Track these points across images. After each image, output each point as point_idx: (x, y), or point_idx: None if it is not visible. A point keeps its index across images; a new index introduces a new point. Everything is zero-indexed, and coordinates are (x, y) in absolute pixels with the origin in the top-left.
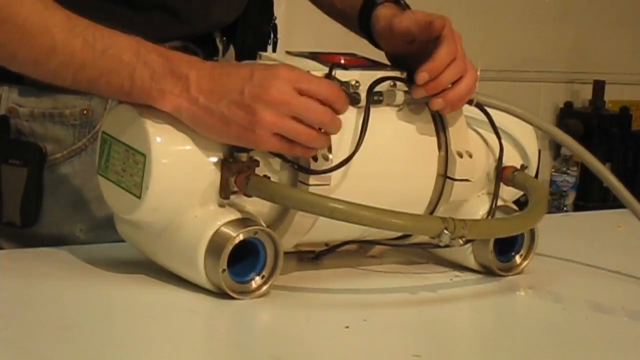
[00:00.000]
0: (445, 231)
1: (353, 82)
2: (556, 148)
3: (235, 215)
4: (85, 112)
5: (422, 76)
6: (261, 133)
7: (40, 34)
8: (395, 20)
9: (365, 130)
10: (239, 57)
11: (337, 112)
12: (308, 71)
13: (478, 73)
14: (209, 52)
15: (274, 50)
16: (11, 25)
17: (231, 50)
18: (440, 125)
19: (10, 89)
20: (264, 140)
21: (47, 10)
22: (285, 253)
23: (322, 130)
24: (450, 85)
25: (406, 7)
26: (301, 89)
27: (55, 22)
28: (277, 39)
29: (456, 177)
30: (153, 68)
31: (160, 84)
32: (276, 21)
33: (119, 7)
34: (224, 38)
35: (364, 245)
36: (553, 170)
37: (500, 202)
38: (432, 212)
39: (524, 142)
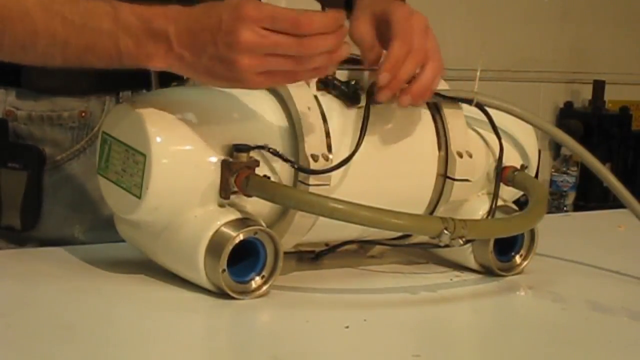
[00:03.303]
0: (445, 231)
1: (353, 82)
2: (556, 148)
3: (235, 215)
4: (83, 114)
5: (383, 77)
6: (247, 77)
7: (20, 19)
8: (351, 28)
9: (365, 130)
10: None
11: (309, 33)
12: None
13: (478, 73)
14: None
15: None
16: None
17: None
18: (440, 125)
19: (7, 92)
20: (252, 83)
21: None
22: (285, 253)
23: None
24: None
25: None
26: (267, 28)
27: (32, 2)
28: None
29: (456, 177)
30: (135, 34)
31: (145, 48)
32: None
33: None
34: None
35: (364, 245)
36: (553, 170)
37: (500, 202)
38: (432, 212)
39: (524, 142)
